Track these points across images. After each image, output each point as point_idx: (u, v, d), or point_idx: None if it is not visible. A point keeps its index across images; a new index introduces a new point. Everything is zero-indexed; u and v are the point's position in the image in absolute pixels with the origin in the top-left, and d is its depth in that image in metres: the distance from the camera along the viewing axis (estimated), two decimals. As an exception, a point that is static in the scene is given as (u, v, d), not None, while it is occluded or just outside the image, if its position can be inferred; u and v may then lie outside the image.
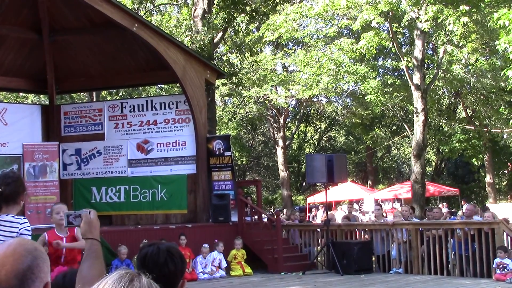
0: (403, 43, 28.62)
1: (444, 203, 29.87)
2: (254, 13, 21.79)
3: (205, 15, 19.93)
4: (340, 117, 37.75)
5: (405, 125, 32.77)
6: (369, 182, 39.14)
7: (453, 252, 12.79)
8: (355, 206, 24.88)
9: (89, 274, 2.54)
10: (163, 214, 16.61)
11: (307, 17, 22.11)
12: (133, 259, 13.34)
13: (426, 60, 22.41)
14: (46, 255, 1.91)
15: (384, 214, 16.52)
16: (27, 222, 4.49)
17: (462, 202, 27.36)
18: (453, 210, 16.57)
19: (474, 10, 18.46)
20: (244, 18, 21.31)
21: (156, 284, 1.66)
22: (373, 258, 14.18)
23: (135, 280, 1.62)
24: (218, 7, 21.11)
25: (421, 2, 18.57)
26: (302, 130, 42.64)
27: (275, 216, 15.53)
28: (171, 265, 2.83)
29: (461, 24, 17.99)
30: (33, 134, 17.06)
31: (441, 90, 28.56)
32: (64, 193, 16.88)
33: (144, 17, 19.46)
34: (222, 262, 14.18)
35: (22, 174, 15.38)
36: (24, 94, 30.81)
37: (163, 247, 2.88)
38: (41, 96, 29.33)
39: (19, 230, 4.37)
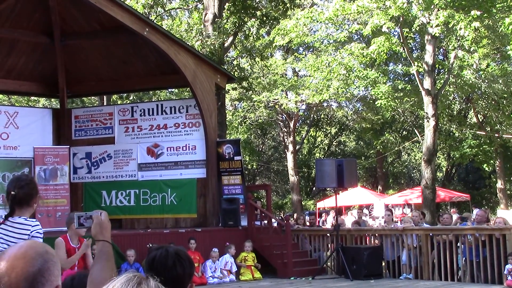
0: (413, 48, 28.56)
1: (453, 209, 29.68)
2: (264, 18, 21.82)
3: (216, 19, 19.96)
4: (350, 122, 37.66)
5: (415, 130, 32.66)
6: (379, 187, 38.99)
7: (464, 258, 12.70)
8: (365, 211, 24.78)
9: (100, 276, 2.53)
10: (172, 218, 16.63)
11: (317, 22, 22.09)
12: (142, 262, 13.36)
13: (437, 65, 22.34)
14: (56, 258, 1.90)
15: (395, 219, 16.45)
16: (38, 225, 4.50)
17: (472, 208, 27.20)
18: (464, 216, 16.45)
19: (485, 15, 18.37)
20: (254, 22, 21.33)
21: None
22: (383, 264, 14.12)
23: (143, 283, 1.62)
24: (228, 12, 21.14)
25: (432, 7, 18.52)
26: (312, 135, 42.57)
27: (285, 221, 15.49)
28: (180, 268, 2.83)
29: (473, 29, 17.92)
30: (44, 138, 17.14)
31: (452, 95, 28.44)
32: (74, 196, 16.95)
33: (155, 21, 19.51)
34: (233, 266, 14.17)
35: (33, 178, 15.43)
36: (36, 98, 30.98)
37: (171, 250, 2.88)
38: (52, 100, 29.48)
39: (31, 232, 4.38)
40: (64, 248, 7.23)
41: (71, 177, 17.07)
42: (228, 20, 20.81)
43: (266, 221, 15.91)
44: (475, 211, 14.72)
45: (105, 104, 26.80)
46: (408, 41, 22.36)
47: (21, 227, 4.41)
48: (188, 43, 18.65)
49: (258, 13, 21.37)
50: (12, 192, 4.49)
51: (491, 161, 31.22)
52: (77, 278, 3.31)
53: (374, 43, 19.74)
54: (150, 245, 13.44)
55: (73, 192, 16.94)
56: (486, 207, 32.94)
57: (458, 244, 12.81)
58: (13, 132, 16.55)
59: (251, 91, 27.18)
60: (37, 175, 15.93)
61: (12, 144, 16.44)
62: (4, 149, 16.33)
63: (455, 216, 16.55)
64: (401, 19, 19.61)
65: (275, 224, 16.24)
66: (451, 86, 25.68)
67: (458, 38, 20.80)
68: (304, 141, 40.79)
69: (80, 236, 7.64)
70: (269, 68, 30.15)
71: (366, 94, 28.37)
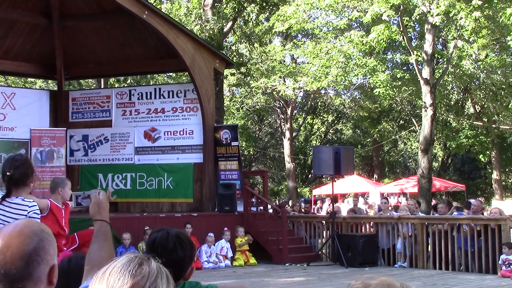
0: (412, 37, 28.47)
1: (444, 198, 29.72)
2: (264, 3, 21.70)
3: (215, 4, 19.88)
4: (348, 110, 37.65)
5: (413, 120, 32.65)
6: (375, 175, 39.07)
7: (459, 248, 12.74)
8: (361, 199, 24.81)
9: (98, 256, 2.52)
10: (168, 203, 16.63)
11: (317, 8, 21.98)
12: (138, 245, 13.38)
13: (436, 55, 22.27)
14: (53, 237, 1.89)
15: (390, 208, 16.48)
16: (36, 205, 4.49)
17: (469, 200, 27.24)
18: (459, 205, 16.48)
19: (486, 5, 18.30)
20: (254, 8, 21.23)
21: (165, 269, 1.64)
22: (378, 252, 14.15)
23: (144, 264, 1.61)
24: (228, -3, 21.03)
25: (433, -4, 18.44)
26: (309, 122, 42.57)
27: (281, 208, 15.51)
28: (180, 251, 2.81)
29: (473, 19, 17.86)
30: (41, 119, 17.08)
31: (450, 85, 28.41)
32: (70, 179, 16.72)
33: (154, 5, 19.40)
34: (229, 251, 14.20)
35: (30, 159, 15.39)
36: (32, 80, 30.87)
37: (172, 232, 2.86)
38: (49, 82, 29.36)
39: (28, 213, 4.37)
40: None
41: (68, 160, 17.04)
42: (228, 5, 20.70)
43: (262, 207, 15.93)
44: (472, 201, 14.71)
45: (102, 87, 26.70)
46: (407, 30, 22.28)
47: (18, 207, 4.40)
48: (187, 27, 18.56)
49: (258, -2, 21.26)
50: (8, 173, 4.46)
51: (487, 152, 31.25)
52: (74, 259, 3.29)
53: (373, 31, 19.67)
54: (148, 228, 13.47)
55: (69, 175, 16.88)
56: (481, 197, 33.01)
57: (454, 234, 12.84)
58: (10, 113, 16.49)
59: (249, 77, 27.13)
60: (33, 156, 15.90)
61: (9, 125, 16.38)
62: (1, 130, 16.28)
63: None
64: (401, 7, 19.52)
65: (271, 211, 16.26)
66: (449, 76, 25.64)
67: (458, 28, 20.73)
68: (301, 128, 40.79)
69: (65, 200, 7.56)
70: (268, 54, 30.05)
71: (364, 82, 28.30)
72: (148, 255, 1.69)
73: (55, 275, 1.86)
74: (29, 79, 30.54)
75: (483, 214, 13.33)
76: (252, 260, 14.29)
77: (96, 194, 2.83)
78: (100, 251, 2.56)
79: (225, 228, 14.45)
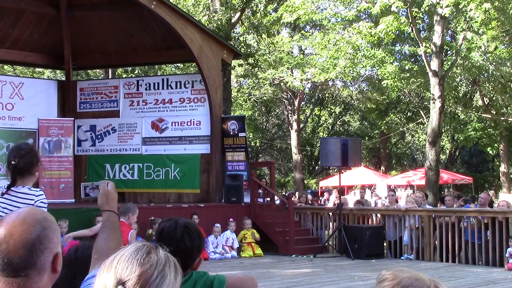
0: (421, 29, 28.32)
1: (451, 190, 29.65)
2: (272, -6, 21.64)
3: (223, -6, 19.80)
4: (355, 102, 37.54)
5: (420, 112, 32.53)
6: (382, 167, 39.00)
7: (466, 240, 12.71)
8: (368, 191, 24.78)
9: (106, 246, 2.51)
10: (175, 193, 16.66)
11: (326, -1, 21.90)
12: (146, 234, 13.41)
13: (444, 47, 22.15)
14: (56, 225, 1.88)
15: (400, 199, 16.47)
16: (43, 194, 4.48)
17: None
18: (467, 198, 16.43)
19: (496, -4, 18.19)
20: (262, -1, 21.16)
21: (173, 258, 1.63)
22: (385, 244, 14.15)
23: (152, 252, 1.60)
24: (236, -13, 20.96)
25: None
26: (317, 113, 42.49)
27: (288, 199, 15.51)
28: (188, 241, 2.81)
29: (483, 11, 17.74)
30: (49, 109, 17.12)
31: (459, 77, 28.26)
32: (78, 169, 16.98)
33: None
34: (234, 242, 14.22)
35: (37, 149, 15.45)
36: (40, 70, 30.92)
37: (181, 222, 2.86)
38: (57, 72, 29.42)
39: (35, 202, 4.36)
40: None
41: (75, 150, 17.08)
42: (236, -4, 20.62)
43: (269, 199, 15.93)
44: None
45: (110, 77, 26.72)
46: (416, 21, 22.15)
47: (25, 196, 4.39)
48: (195, 17, 18.52)
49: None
50: (13, 162, 4.45)
51: (495, 145, 31.10)
52: (81, 249, 3.29)
53: (382, 22, 19.58)
54: (153, 218, 13.50)
55: (77, 165, 16.97)
56: (488, 190, 32.94)
57: (461, 226, 12.81)
58: (18, 103, 16.54)
59: (256, 68, 27.07)
60: (41, 146, 15.95)
61: (17, 115, 16.43)
62: (9, 119, 16.33)
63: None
64: (410, -2, 19.42)
65: (278, 202, 16.26)
66: (458, 68, 25.51)
67: (467, 19, 20.61)
68: (308, 119, 40.72)
69: (131, 226, 7.57)
70: (276, 45, 29.97)
71: (372, 74, 28.20)
72: (155, 244, 1.68)
73: (59, 263, 1.86)
74: (37, 69, 30.60)
75: (491, 207, 13.29)
76: (259, 251, 14.30)
77: (104, 185, 2.83)
78: (107, 241, 2.56)
79: (231, 219, 14.46)
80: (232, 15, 20.41)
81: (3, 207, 4.41)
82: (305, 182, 37.74)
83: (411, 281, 1.52)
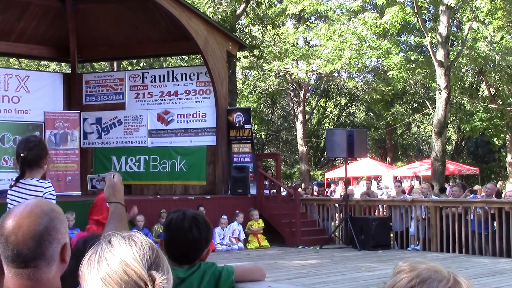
0: (427, 19, 28.20)
1: (458, 181, 29.61)
2: (277, -15, 21.58)
3: (228, -14, 19.75)
4: (361, 93, 37.46)
5: (426, 102, 32.44)
6: (388, 159, 38.95)
7: (473, 231, 12.68)
8: (374, 182, 24.76)
9: (113, 237, 2.52)
10: (182, 185, 16.70)
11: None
12: (152, 228, 13.45)
13: (450, 37, 22.06)
14: (63, 216, 1.90)
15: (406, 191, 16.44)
16: (51, 186, 4.49)
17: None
18: (474, 188, 16.42)
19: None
20: (267, -10, 21.10)
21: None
22: (391, 235, 14.14)
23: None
24: (241, -22, 20.90)
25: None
26: (322, 105, 42.43)
27: (294, 190, 15.51)
28: (196, 232, 2.81)
29: (489, 0, 17.64)
30: (55, 102, 17.16)
31: (465, 67, 28.14)
32: (84, 161, 17.02)
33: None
34: (241, 234, 14.25)
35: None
36: (46, 63, 30.94)
37: (189, 213, 2.86)
38: (63, 65, 29.43)
39: (44, 194, 4.37)
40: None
41: (81, 142, 17.13)
42: (241, -13, 20.58)
43: (275, 190, 15.94)
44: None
45: (115, 70, 26.73)
46: (422, 11, 22.06)
47: (34, 188, 4.41)
48: (200, 9, 18.49)
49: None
50: (22, 154, 4.46)
51: (502, 135, 31.02)
52: (90, 240, 3.29)
53: (387, 13, 19.51)
54: (164, 211, 13.50)
55: (83, 157, 17.01)
56: (495, 181, 32.86)
57: (468, 217, 12.78)
58: (24, 96, 16.58)
59: (262, 60, 27.03)
60: (47, 139, 15.99)
61: (23, 108, 16.47)
62: (15, 112, 16.38)
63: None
64: (416, -12, 19.34)
65: (284, 193, 16.26)
66: (464, 58, 25.40)
67: (473, 9, 20.50)
68: (314, 111, 40.67)
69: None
70: (281, 36, 29.91)
71: (377, 65, 28.11)
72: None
73: (67, 254, 1.87)
74: (42, 62, 30.63)
75: (499, 197, 13.25)
76: (265, 243, 14.33)
77: (110, 177, 2.84)
78: (115, 232, 2.56)
79: (237, 211, 14.48)
80: (237, 6, 20.37)
81: (11, 199, 4.43)
82: (311, 173, 37.74)
83: (430, 274, 1.46)
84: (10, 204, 4.37)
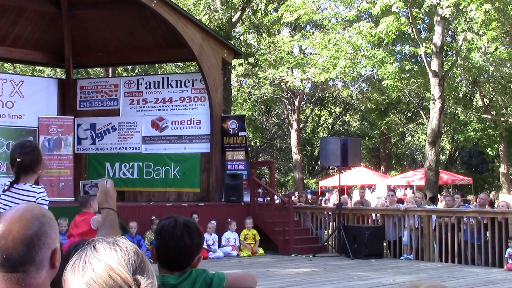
0: (421, 29, 28.32)
1: (451, 190, 29.68)
2: (273, -6, 21.64)
3: (224, -6, 19.79)
4: (355, 102, 37.54)
5: (420, 112, 32.53)
6: (382, 168, 39.01)
7: (465, 240, 12.71)
8: (367, 191, 24.76)
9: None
10: (175, 192, 16.67)
11: (326, -1, 21.90)
12: (144, 234, 13.42)
13: (445, 47, 22.15)
14: (54, 221, 1.89)
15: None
16: (44, 192, 4.49)
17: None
18: (468, 198, 16.45)
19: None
20: (263, -2, 21.15)
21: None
22: (384, 244, 14.15)
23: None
24: (237, -14, 20.95)
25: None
26: (317, 113, 42.50)
27: (287, 198, 15.51)
28: (187, 238, 2.81)
29: (483, 11, 17.74)
30: (49, 108, 17.13)
31: (459, 78, 28.25)
32: (78, 167, 16.99)
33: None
34: (236, 241, 14.23)
35: (37, 147, 15.44)
36: (41, 68, 30.90)
37: (180, 220, 2.86)
38: (58, 70, 29.40)
39: (37, 199, 4.36)
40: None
41: (75, 148, 17.10)
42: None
43: (268, 198, 15.93)
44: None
45: (110, 76, 26.72)
46: (417, 21, 22.15)
47: (27, 194, 4.40)
48: (195, 16, 18.53)
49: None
50: (18, 159, 4.45)
51: (495, 145, 31.12)
52: (81, 245, 3.29)
53: (382, 22, 19.58)
54: (154, 218, 13.48)
55: (76, 163, 16.98)
56: (488, 191, 32.93)
57: (460, 227, 12.81)
58: (18, 101, 16.55)
59: (257, 68, 27.07)
60: (41, 144, 15.95)
61: (17, 113, 16.44)
62: (9, 117, 16.34)
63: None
64: (411, -1, 19.42)
65: (278, 201, 16.26)
66: (458, 69, 25.51)
67: (468, 20, 20.61)
68: (308, 119, 40.73)
69: (95, 211, 7.63)
70: (276, 45, 29.96)
71: (372, 74, 28.20)
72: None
73: (57, 259, 1.87)
74: (37, 67, 30.59)
75: (492, 207, 13.29)
76: (260, 251, 14.31)
77: (103, 182, 2.84)
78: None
79: (229, 219, 14.44)
80: (233, 14, 20.42)
81: (4, 204, 4.42)
82: (305, 181, 37.75)
83: None
84: (2, 208, 4.36)
